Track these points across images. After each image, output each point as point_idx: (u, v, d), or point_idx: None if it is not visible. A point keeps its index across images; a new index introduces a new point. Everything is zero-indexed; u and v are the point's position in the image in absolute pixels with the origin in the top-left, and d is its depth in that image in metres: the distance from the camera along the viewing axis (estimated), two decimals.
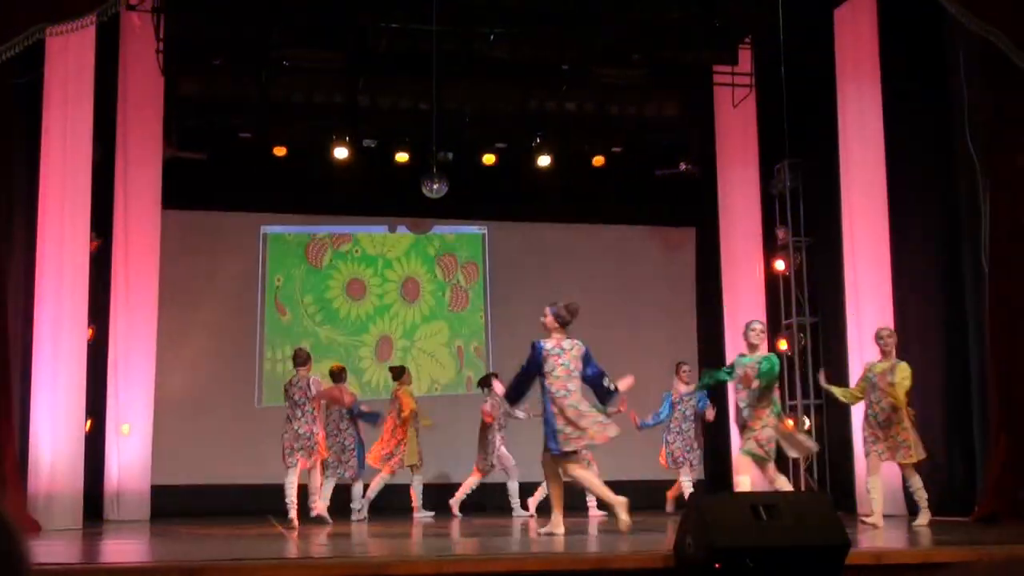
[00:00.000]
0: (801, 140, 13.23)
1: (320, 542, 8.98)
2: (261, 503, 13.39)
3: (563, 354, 8.95)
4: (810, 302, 13.86)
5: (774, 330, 13.91)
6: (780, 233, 14.09)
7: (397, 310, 15.46)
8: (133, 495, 12.19)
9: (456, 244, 15.75)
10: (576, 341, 9.08)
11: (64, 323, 10.74)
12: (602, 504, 10.07)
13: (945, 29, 11.31)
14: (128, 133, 12.49)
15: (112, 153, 12.38)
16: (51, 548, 8.36)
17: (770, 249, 14.07)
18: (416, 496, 12.88)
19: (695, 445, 12.95)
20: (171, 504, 12.93)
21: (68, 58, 10.74)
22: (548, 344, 8.98)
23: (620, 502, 8.90)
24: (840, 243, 12.21)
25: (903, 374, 9.97)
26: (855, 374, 11.93)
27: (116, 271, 12.34)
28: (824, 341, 13.59)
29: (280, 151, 14.12)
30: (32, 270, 10.75)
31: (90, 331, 11.53)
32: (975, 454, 10.99)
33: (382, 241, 15.62)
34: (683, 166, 15.14)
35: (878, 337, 10.26)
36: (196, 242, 14.58)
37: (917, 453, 9.99)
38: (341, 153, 14.11)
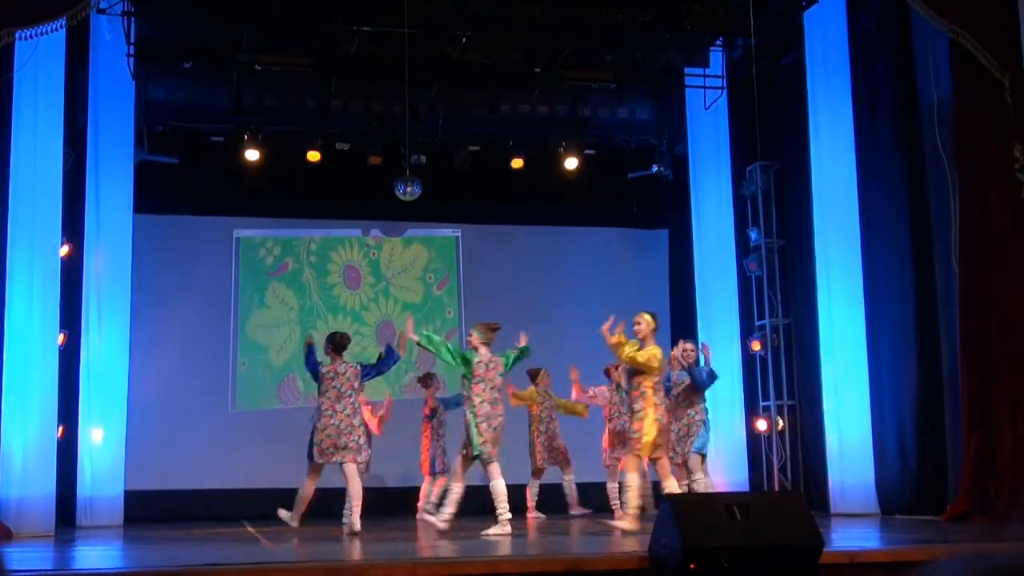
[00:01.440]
0: (773, 142, 13.29)
1: (296, 546, 8.97)
2: (235, 508, 13.36)
3: (337, 377, 10.13)
4: (783, 303, 13.90)
5: (747, 331, 13.96)
6: (752, 235, 14.13)
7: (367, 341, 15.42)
8: (106, 500, 12.12)
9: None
10: (351, 364, 10.26)
11: (35, 328, 10.68)
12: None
13: (913, 29, 11.40)
14: (99, 137, 12.43)
15: (83, 157, 12.32)
16: (23, 554, 8.32)
17: (743, 250, 14.11)
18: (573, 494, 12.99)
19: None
20: (145, 509, 12.85)
21: (37, 62, 10.68)
22: (323, 368, 10.19)
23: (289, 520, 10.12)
24: (812, 244, 12.27)
25: (650, 352, 9.45)
26: (828, 375, 12.00)
27: (88, 276, 12.28)
28: (797, 342, 13.64)
29: (252, 155, 14.08)
30: (2, 275, 10.67)
31: (62, 336, 11.46)
32: (946, 453, 11.06)
33: (397, 265, 15.62)
34: (655, 168, 15.18)
35: (634, 324, 9.75)
36: (168, 246, 14.50)
37: (645, 449, 9.30)
38: (313, 156, 14.08)
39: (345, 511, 10.78)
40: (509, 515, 9.50)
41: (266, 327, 15.05)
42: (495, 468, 9.60)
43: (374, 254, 15.56)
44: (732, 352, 13.71)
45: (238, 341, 14.91)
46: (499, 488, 9.53)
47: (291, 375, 14.85)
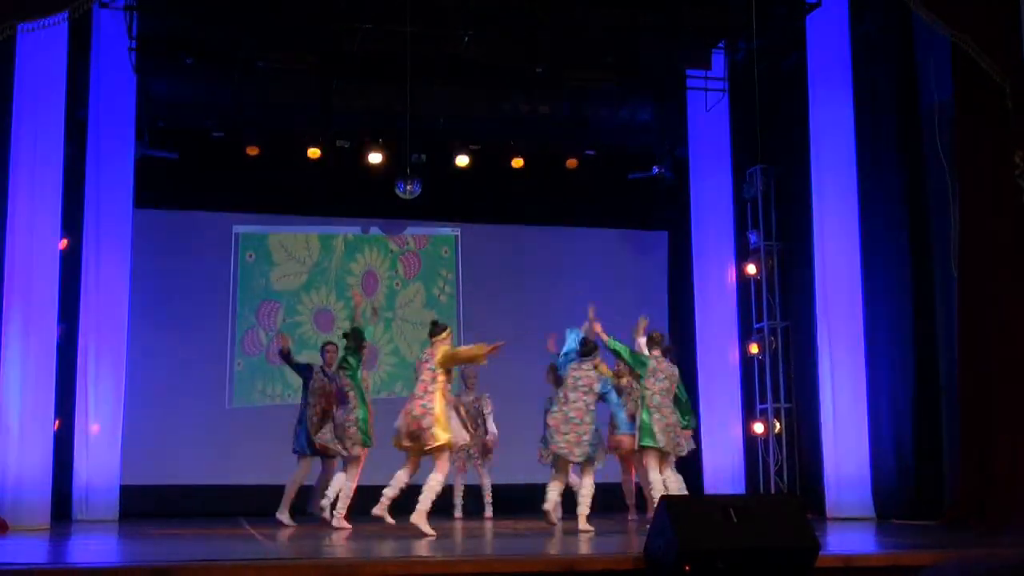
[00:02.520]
0: (773, 145, 13.28)
1: (291, 543, 8.96)
2: (231, 504, 13.35)
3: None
4: (781, 306, 13.90)
5: (745, 334, 13.96)
6: (752, 237, 14.13)
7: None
8: (102, 495, 12.09)
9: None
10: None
11: (33, 322, 10.66)
12: None
13: (915, 34, 11.40)
14: (100, 131, 12.40)
15: (83, 151, 12.30)
16: (18, 548, 8.32)
17: (742, 253, 14.11)
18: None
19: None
20: (140, 504, 12.86)
21: (39, 55, 10.67)
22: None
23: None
24: (811, 248, 12.26)
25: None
26: (825, 379, 11.99)
27: (86, 270, 12.26)
28: (794, 345, 13.64)
29: (253, 151, 14.07)
30: (1, 268, 10.66)
31: (60, 330, 11.45)
32: (943, 458, 11.06)
33: (409, 314, 15.54)
34: (656, 170, 15.18)
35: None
36: (167, 242, 14.49)
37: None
38: (314, 153, 14.07)
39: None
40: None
41: (287, 246, 15.22)
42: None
43: (398, 284, 15.53)
44: (730, 354, 13.73)
45: (238, 242, 15.04)
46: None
47: (278, 304, 15.05)
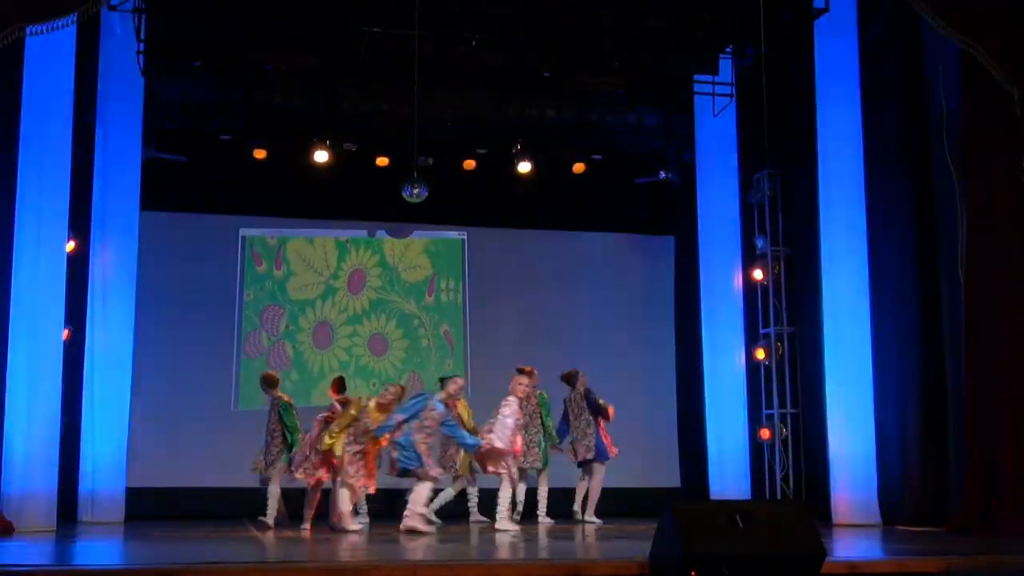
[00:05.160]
0: (781, 150, 13.27)
1: (297, 546, 8.97)
2: (236, 507, 13.35)
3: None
4: (787, 311, 13.89)
5: (751, 339, 13.94)
6: (758, 243, 14.12)
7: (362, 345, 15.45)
8: (108, 496, 12.12)
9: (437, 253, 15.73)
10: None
11: (40, 324, 10.67)
12: None
13: (923, 40, 11.39)
14: (108, 134, 12.44)
15: (91, 154, 12.34)
16: (24, 549, 8.33)
17: (748, 258, 14.10)
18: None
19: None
20: (146, 506, 12.87)
21: (48, 57, 10.69)
22: None
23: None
24: (818, 253, 12.24)
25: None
26: (831, 384, 11.97)
27: (94, 272, 12.29)
28: (801, 351, 13.62)
29: (260, 154, 14.08)
30: (9, 270, 10.67)
31: (66, 332, 11.46)
32: (949, 464, 11.05)
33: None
34: (663, 175, 15.17)
35: None
36: (174, 244, 14.51)
37: None
38: (321, 157, 14.09)
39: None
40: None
41: (298, 251, 15.27)
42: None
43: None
44: (736, 360, 13.72)
45: (245, 245, 15.03)
46: None
47: (282, 308, 15.08)
